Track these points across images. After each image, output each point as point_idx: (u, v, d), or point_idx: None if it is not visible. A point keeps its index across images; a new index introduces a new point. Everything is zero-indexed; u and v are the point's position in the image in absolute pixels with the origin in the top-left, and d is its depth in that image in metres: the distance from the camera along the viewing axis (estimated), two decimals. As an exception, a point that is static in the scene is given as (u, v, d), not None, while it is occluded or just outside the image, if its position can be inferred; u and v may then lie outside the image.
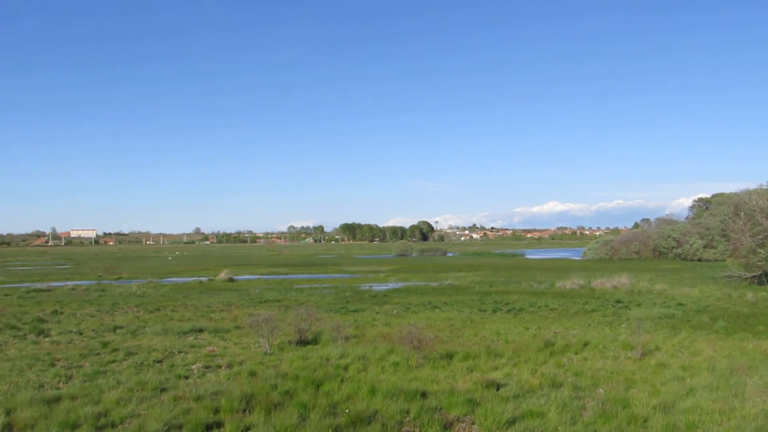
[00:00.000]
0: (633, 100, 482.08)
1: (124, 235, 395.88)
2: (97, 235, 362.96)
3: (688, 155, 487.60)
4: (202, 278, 53.16)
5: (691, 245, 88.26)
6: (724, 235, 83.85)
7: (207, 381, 14.17)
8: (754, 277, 42.88)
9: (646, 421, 11.03)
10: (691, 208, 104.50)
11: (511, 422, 10.91)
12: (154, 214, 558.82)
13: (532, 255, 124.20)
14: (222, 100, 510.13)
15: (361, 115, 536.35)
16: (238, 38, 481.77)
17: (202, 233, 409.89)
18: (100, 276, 57.90)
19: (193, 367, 15.80)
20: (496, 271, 60.63)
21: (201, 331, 21.97)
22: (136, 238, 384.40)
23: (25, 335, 21.27)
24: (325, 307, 29.24)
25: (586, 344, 18.60)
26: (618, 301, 31.26)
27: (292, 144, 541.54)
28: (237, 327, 22.79)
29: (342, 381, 13.91)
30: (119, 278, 54.98)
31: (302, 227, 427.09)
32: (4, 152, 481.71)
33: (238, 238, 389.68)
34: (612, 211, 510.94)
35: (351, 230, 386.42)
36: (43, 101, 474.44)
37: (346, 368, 15.33)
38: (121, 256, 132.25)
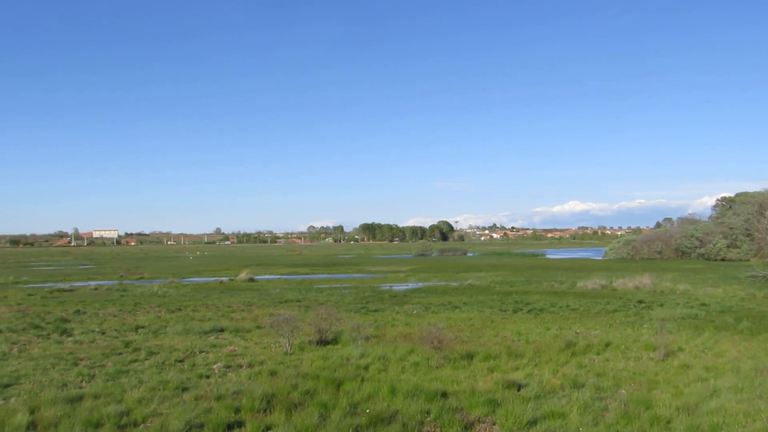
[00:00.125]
0: (655, 99, 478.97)
1: (145, 235, 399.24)
2: (119, 236, 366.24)
3: (711, 154, 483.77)
4: (222, 278, 53.39)
5: (714, 245, 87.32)
6: (748, 235, 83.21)
7: (228, 380, 14.22)
8: (778, 277, 42.32)
9: (669, 422, 10.92)
10: (715, 207, 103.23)
11: (533, 423, 10.84)
12: (175, 215, 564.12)
13: (553, 255, 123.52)
14: (242, 100, 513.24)
15: (380, 115, 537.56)
16: (256, 39, 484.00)
17: (223, 233, 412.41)
18: (121, 276, 58.36)
19: (214, 366, 15.87)
20: (517, 271, 60.35)
21: (222, 330, 22.06)
22: (157, 239, 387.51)
23: (49, 335, 21.48)
24: (345, 307, 29.25)
25: (608, 345, 18.45)
26: (640, 302, 30.99)
27: (312, 144, 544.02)
28: (258, 327, 22.86)
29: (362, 381, 13.90)
30: (141, 278, 55.37)
31: (322, 227, 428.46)
32: (27, 154, 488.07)
33: (258, 238, 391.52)
34: (633, 211, 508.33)
35: (371, 230, 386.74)
36: (66, 103, 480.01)
37: (366, 368, 15.32)
38: (142, 257, 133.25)
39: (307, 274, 61.87)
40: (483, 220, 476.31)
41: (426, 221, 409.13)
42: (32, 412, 11.28)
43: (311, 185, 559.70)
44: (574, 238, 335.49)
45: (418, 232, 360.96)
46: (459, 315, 26.26)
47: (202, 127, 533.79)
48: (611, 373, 14.71)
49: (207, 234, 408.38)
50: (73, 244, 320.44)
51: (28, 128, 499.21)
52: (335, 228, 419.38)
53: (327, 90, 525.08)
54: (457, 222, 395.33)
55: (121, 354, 17.62)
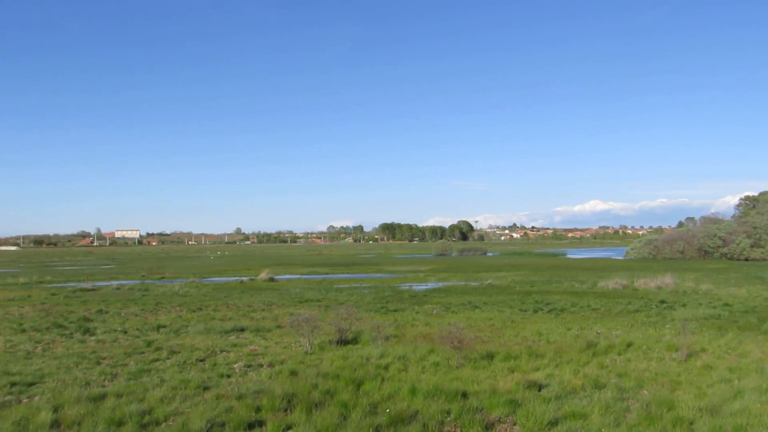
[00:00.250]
0: (677, 98, 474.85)
1: (166, 235, 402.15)
2: (141, 236, 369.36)
3: (735, 153, 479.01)
4: (243, 278, 53.63)
5: (737, 244, 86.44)
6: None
7: (249, 380, 14.28)
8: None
9: (692, 423, 10.82)
10: (738, 206, 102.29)
11: (554, 423, 10.79)
12: (196, 215, 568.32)
13: (574, 255, 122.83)
14: (263, 101, 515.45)
15: (400, 115, 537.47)
16: (275, 40, 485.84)
17: (243, 233, 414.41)
18: (143, 276, 58.78)
19: (235, 366, 15.94)
20: (537, 271, 60.07)
21: (242, 330, 22.15)
22: (178, 239, 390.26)
23: (72, 334, 21.69)
24: (365, 306, 29.27)
25: (629, 345, 18.31)
26: (662, 302, 30.72)
27: (331, 144, 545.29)
28: (278, 326, 22.93)
29: (382, 381, 13.90)
30: (162, 278, 55.74)
31: (342, 227, 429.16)
32: (51, 155, 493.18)
33: (278, 238, 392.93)
34: (655, 210, 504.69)
35: (390, 230, 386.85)
36: (90, 104, 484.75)
37: (386, 368, 15.31)
38: (163, 256, 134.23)
39: (326, 273, 61.98)
40: (503, 219, 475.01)
41: (446, 221, 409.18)
42: (56, 410, 11.40)
43: (331, 185, 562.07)
44: (594, 238, 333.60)
45: (437, 232, 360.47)
46: (479, 315, 26.19)
47: (222, 127, 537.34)
48: (633, 374, 14.60)
49: (227, 234, 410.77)
50: (95, 244, 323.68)
51: (51, 130, 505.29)
52: (355, 228, 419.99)
53: (347, 90, 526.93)
54: (476, 222, 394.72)
55: (143, 353, 17.75)
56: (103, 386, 13.58)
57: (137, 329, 22.72)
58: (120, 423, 10.77)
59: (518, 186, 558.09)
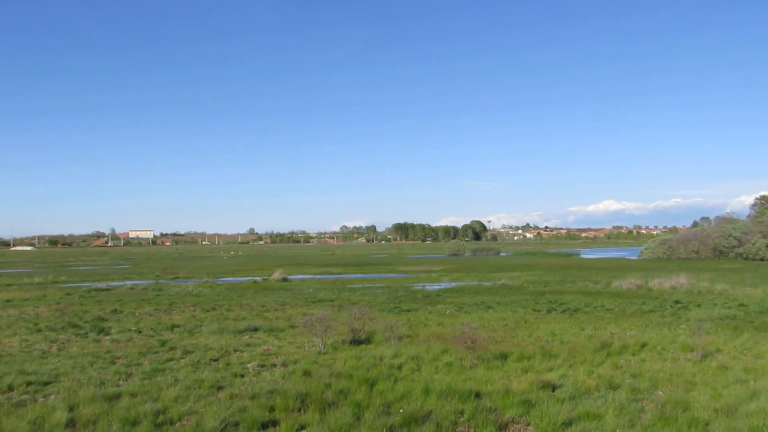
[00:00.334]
0: (691, 97, 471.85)
1: (180, 235, 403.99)
2: (155, 236, 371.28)
3: (750, 152, 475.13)
4: (256, 278, 53.74)
5: (753, 244, 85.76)
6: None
7: (262, 379, 14.31)
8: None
9: (707, 424, 10.74)
10: (753, 206, 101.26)
11: (567, 424, 10.75)
12: (210, 215, 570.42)
13: (587, 254, 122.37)
14: (276, 101, 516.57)
15: (413, 115, 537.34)
16: (288, 40, 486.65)
17: (256, 233, 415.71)
18: (157, 276, 59.03)
19: (249, 365, 15.98)
20: (551, 271, 59.87)
21: (256, 330, 22.20)
22: (192, 239, 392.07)
23: (87, 333, 21.82)
24: (378, 306, 29.28)
25: (643, 345, 18.22)
26: (677, 302, 30.53)
27: (344, 144, 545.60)
28: (291, 326, 22.96)
29: (396, 381, 13.89)
30: (176, 278, 55.96)
31: (355, 227, 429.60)
32: (65, 156, 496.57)
33: (291, 238, 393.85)
34: (670, 210, 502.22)
35: (403, 230, 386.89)
36: (104, 105, 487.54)
37: (399, 368, 15.31)
38: (177, 256, 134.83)
39: (339, 273, 62.02)
40: (516, 219, 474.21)
41: (459, 221, 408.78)
42: (71, 409, 11.46)
43: (344, 185, 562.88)
44: (608, 238, 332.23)
45: (450, 232, 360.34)
46: (492, 315, 26.14)
47: (236, 128, 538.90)
48: (647, 374, 14.51)
49: (241, 234, 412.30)
50: (110, 244, 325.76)
51: (65, 130, 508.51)
52: (368, 228, 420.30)
53: (360, 90, 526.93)
54: (489, 222, 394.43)
55: (157, 353, 17.83)
56: (118, 386, 13.64)
57: (151, 329, 22.84)
58: (135, 422, 10.82)
59: (531, 186, 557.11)
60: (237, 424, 10.72)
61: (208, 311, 28.30)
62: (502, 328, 22.32)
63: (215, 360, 16.74)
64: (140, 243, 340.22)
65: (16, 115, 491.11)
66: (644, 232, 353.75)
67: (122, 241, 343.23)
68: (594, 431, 10.47)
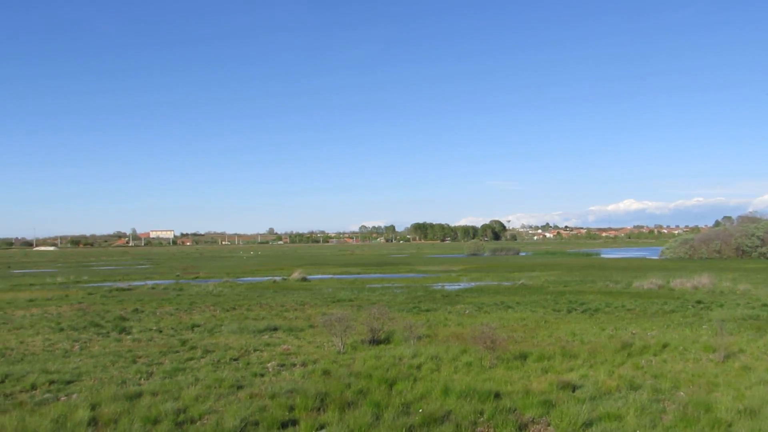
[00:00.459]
0: (712, 96, 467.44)
1: (200, 235, 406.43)
2: (175, 236, 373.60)
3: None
4: (276, 278, 53.93)
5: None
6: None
7: (282, 379, 14.35)
8: None
9: (730, 426, 10.63)
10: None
11: (588, 424, 10.68)
12: (230, 215, 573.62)
13: (608, 254, 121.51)
14: (293, 101, 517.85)
15: (432, 115, 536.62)
16: (305, 40, 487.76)
17: (276, 233, 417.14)
18: (178, 275, 59.40)
19: (269, 365, 16.04)
20: (571, 271, 59.56)
21: (276, 329, 22.28)
22: (212, 239, 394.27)
23: (108, 333, 22.02)
24: (397, 306, 29.27)
25: (665, 346, 18.06)
26: (698, 302, 30.25)
27: (363, 144, 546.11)
28: (311, 326, 23.02)
29: (415, 380, 13.88)
30: (196, 278, 56.30)
31: (374, 227, 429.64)
32: (86, 156, 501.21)
33: (310, 238, 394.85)
34: (691, 209, 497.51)
35: (422, 230, 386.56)
36: (125, 106, 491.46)
37: (418, 368, 15.29)
38: (197, 256, 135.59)
39: (359, 273, 62.07)
40: (536, 219, 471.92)
41: (478, 221, 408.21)
42: (93, 408, 11.56)
43: (363, 185, 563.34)
44: (629, 238, 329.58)
45: (469, 232, 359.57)
46: (512, 315, 26.05)
47: (255, 128, 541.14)
48: (669, 375, 14.39)
49: (260, 234, 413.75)
50: (131, 244, 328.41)
51: (87, 132, 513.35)
52: (387, 228, 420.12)
53: (379, 90, 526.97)
54: (509, 221, 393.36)
55: (177, 352, 17.94)
56: (139, 385, 13.75)
57: (172, 328, 23.00)
58: (156, 421, 10.89)
59: (551, 185, 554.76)
60: (257, 423, 10.75)
61: (228, 311, 28.44)
62: (521, 328, 22.24)
63: (235, 359, 16.82)
64: (161, 243, 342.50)
65: (37, 116, 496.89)
66: (665, 231, 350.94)
67: (143, 241, 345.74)
68: (615, 432, 10.39)
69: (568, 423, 10.66)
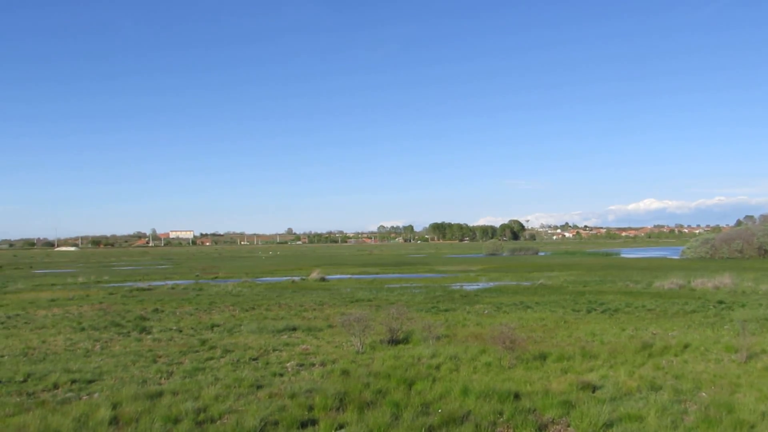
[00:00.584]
0: (733, 94, 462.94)
1: (219, 235, 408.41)
2: (195, 236, 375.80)
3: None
4: (294, 278, 54.10)
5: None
6: (835, 232, 79.51)
7: (301, 379, 14.38)
8: None
9: (753, 427, 10.51)
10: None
11: (608, 425, 10.61)
12: (249, 215, 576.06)
13: (628, 254, 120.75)
14: (314, 102, 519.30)
15: (450, 114, 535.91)
16: (324, 41, 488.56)
17: (294, 233, 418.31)
18: (197, 275, 59.74)
19: (288, 365, 16.08)
20: (590, 271, 59.22)
21: (295, 329, 22.34)
22: (231, 239, 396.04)
23: (129, 332, 22.18)
24: (416, 306, 29.24)
25: (686, 346, 17.90)
26: (720, 302, 29.96)
27: (382, 144, 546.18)
28: (329, 326, 23.06)
29: (434, 381, 13.86)
30: (216, 278, 56.58)
31: (392, 227, 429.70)
32: (107, 157, 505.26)
33: (329, 238, 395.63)
34: (712, 208, 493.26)
35: (441, 230, 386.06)
36: (145, 107, 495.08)
37: (437, 368, 15.27)
38: (217, 256, 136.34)
39: (377, 273, 62.10)
40: (555, 218, 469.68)
41: (496, 220, 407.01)
42: (114, 407, 11.64)
43: (381, 185, 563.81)
44: (649, 237, 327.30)
45: (488, 232, 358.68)
46: (531, 315, 25.94)
47: (274, 129, 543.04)
48: (690, 376, 14.26)
49: (279, 234, 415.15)
50: (150, 244, 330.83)
51: (107, 132, 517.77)
52: (405, 227, 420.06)
53: (398, 90, 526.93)
54: (528, 221, 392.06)
55: (197, 352, 18.03)
56: (160, 384, 13.84)
57: (192, 328, 23.12)
58: (176, 420, 10.95)
59: (571, 185, 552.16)
60: (276, 423, 10.78)
61: (247, 311, 28.55)
62: (541, 329, 22.14)
63: (255, 359, 16.88)
64: (180, 243, 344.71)
65: (59, 118, 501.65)
66: (686, 231, 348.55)
67: (163, 242, 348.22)
68: (636, 433, 10.32)
69: (589, 423, 10.59)
